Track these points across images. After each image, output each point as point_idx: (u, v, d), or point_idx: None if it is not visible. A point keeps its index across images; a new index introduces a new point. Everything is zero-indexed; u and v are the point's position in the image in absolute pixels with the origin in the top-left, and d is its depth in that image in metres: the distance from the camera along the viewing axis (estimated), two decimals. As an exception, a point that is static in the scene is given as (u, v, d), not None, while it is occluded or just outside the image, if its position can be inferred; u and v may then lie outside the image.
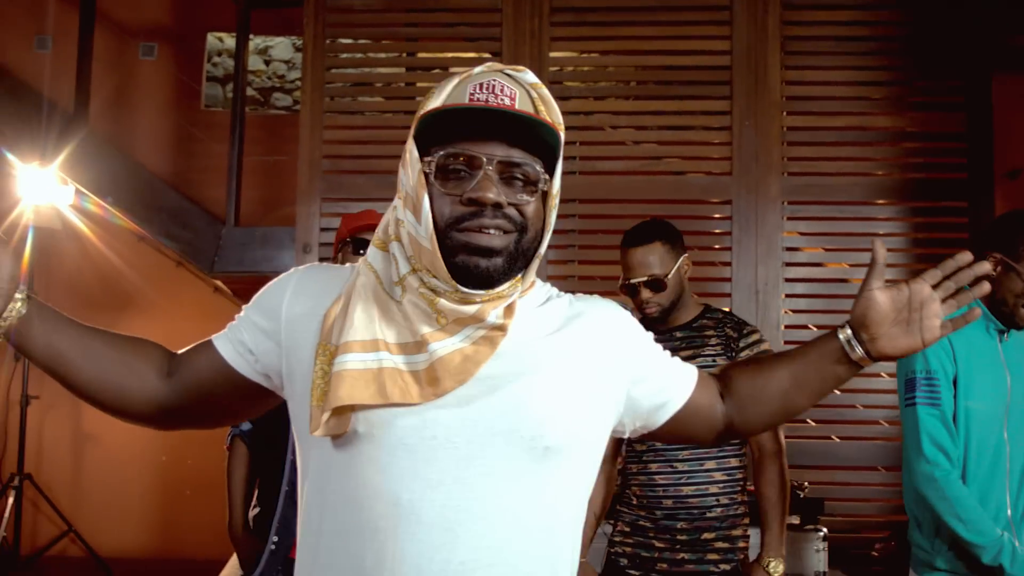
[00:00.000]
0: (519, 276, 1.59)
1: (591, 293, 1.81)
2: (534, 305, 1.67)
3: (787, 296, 5.40)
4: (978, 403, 3.02)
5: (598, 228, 5.56)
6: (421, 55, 6.02)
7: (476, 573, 1.48)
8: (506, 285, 1.56)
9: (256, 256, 6.24)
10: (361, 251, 3.33)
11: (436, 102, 1.57)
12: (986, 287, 1.69)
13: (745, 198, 5.42)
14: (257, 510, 3.61)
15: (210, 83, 8.49)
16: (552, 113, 1.57)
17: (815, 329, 5.42)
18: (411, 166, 1.57)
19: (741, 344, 3.36)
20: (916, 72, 5.54)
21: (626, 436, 1.78)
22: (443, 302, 1.52)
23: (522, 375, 1.54)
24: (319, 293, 1.64)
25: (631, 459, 3.43)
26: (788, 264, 5.42)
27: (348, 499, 1.53)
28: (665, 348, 3.15)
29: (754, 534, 3.41)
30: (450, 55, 5.97)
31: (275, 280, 1.72)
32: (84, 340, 1.66)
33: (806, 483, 4.32)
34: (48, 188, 6.66)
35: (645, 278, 3.33)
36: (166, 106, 8.29)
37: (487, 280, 1.52)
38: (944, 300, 1.68)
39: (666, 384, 1.78)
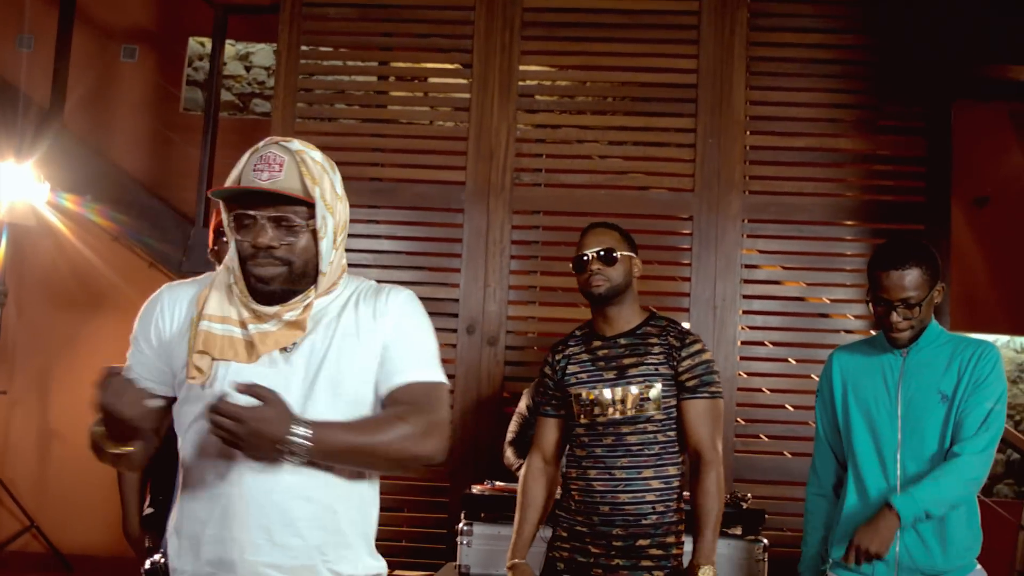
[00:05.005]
0: (312, 288, 2.19)
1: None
2: (340, 301, 2.25)
3: (744, 312, 5.48)
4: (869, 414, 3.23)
5: (561, 240, 5.62)
6: (394, 64, 6.10)
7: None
8: (297, 298, 2.17)
9: (224, 257, 6.28)
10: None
11: (236, 172, 2.19)
12: None
13: (706, 215, 5.50)
14: (151, 510, 3.65)
15: (190, 87, 8.53)
16: (311, 172, 2.16)
17: (770, 346, 5.50)
18: (225, 215, 2.19)
19: (683, 354, 3.40)
20: (879, 97, 5.64)
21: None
22: (253, 304, 2.16)
23: (315, 347, 2.18)
24: (183, 299, 2.25)
25: (571, 464, 3.48)
26: (746, 281, 5.50)
27: (200, 433, 2.16)
28: (608, 355, 3.23)
29: (689, 542, 3.43)
30: (423, 65, 6.06)
31: (146, 304, 2.29)
32: None
33: (748, 495, 4.38)
34: (24, 184, 6.70)
35: (600, 250, 3.41)
36: (145, 108, 8.33)
37: (271, 298, 2.16)
38: None
39: (397, 364, 2.22)
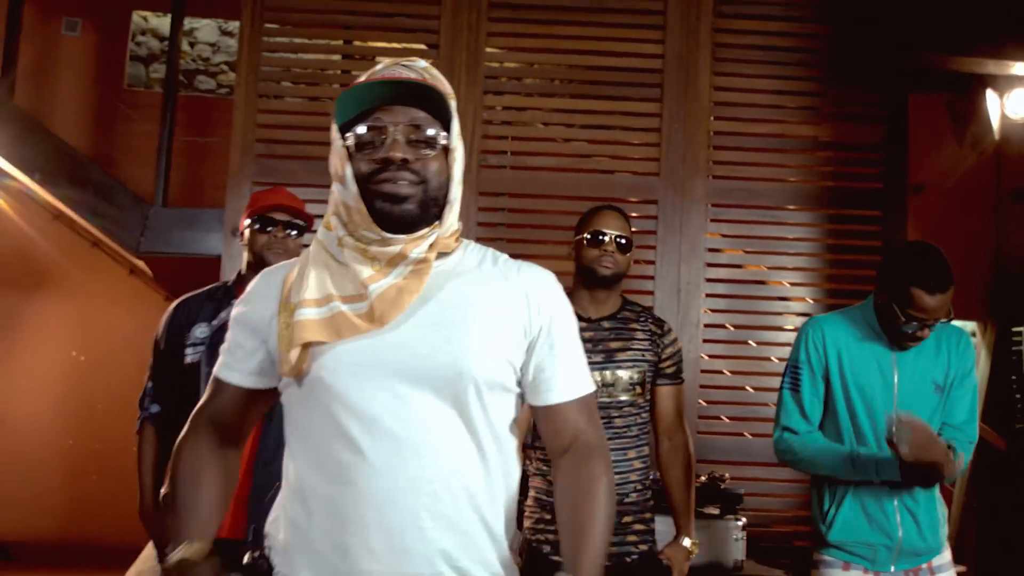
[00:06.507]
0: (436, 222, 1.92)
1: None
2: (473, 263, 1.99)
3: (707, 296, 5.56)
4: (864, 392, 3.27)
5: (526, 223, 5.67)
6: (357, 43, 6.06)
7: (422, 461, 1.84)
8: (425, 229, 1.89)
9: (183, 238, 6.20)
10: (269, 228, 3.45)
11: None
12: None
13: (671, 199, 5.57)
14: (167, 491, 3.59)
15: (133, 62, 8.40)
16: (440, 83, 1.93)
17: (732, 328, 5.59)
18: (335, 146, 1.92)
19: (666, 341, 3.54)
20: (837, 85, 5.76)
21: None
22: (374, 248, 1.87)
23: (454, 321, 1.88)
24: (275, 282, 1.99)
25: None
26: (710, 265, 5.58)
27: (315, 427, 1.88)
28: (594, 338, 3.27)
29: (660, 520, 3.57)
30: (386, 45, 6.02)
31: (243, 296, 2.04)
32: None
33: (726, 475, 4.47)
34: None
35: (621, 236, 3.46)
36: (88, 83, 8.17)
37: (403, 223, 1.87)
38: None
39: (552, 374, 1.99)
